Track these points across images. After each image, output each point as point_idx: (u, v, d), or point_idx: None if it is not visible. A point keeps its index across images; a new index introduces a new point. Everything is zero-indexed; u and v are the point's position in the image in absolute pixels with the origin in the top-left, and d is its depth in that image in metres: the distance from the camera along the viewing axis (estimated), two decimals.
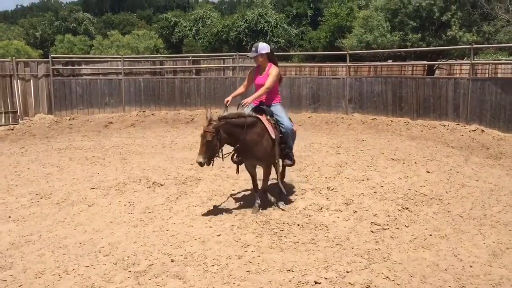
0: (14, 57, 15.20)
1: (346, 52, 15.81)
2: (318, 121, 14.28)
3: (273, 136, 5.88)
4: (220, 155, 5.80)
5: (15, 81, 14.19)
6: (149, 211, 6.09)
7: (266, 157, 5.93)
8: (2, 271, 4.31)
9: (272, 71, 6.06)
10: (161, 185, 7.34)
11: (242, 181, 7.47)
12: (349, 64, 15.69)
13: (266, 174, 6.16)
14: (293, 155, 6.31)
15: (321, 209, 6.02)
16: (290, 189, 6.90)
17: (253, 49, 6.12)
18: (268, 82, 5.98)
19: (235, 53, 17.34)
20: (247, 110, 5.96)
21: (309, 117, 14.72)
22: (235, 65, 16.60)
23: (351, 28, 28.66)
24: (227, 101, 6.04)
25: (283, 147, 6.10)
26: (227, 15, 52.50)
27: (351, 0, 39.80)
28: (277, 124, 6.05)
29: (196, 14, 47.19)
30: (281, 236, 5.12)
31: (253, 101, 6.11)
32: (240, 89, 6.39)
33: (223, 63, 17.18)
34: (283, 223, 5.52)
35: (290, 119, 6.34)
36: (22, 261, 4.53)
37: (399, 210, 5.92)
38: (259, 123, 5.89)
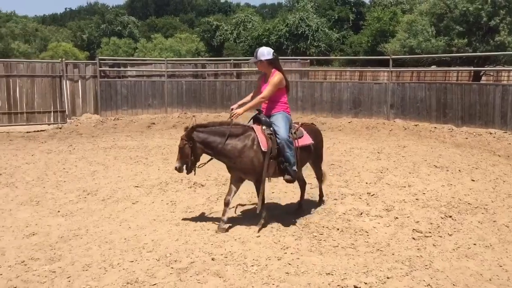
0: (63, 59, 15.80)
1: (389, 57, 15.61)
2: (358, 126, 14.15)
3: (264, 148, 5.37)
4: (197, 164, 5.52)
5: (64, 81, 14.75)
6: (190, 211, 6.22)
7: (253, 170, 5.44)
8: (51, 263, 4.50)
9: (273, 79, 5.59)
10: (202, 185, 7.47)
11: (281, 184, 7.51)
12: (391, 69, 15.48)
13: (258, 191, 5.55)
14: (294, 170, 5.54)
15: (361, 214, 5.99)
16: (328, 193, 6.89)
17: (254, 54, 5.76)
18: (265, 91, 5.58)
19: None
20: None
21: (349, 122, 14.60)
22: None
23: (394, 33, 28.29)
24: (232, 109, 5.69)
25: (280, 160, 5.51)
26: (268, 19, 52.76)
27: (395, 4, 39.24)
28: (274, 135, 5.51)
29: (237, 18, 47.72)
30: (321, 240, 5.13)
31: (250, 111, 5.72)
32: (247, 97, 5.98)
33: None
34: (323, 227, 5.52)
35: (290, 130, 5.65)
36: (70, 254, 4.71)
37: (442, 218, 5.81)
38: (248, 133, 5.50)
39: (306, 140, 5.86)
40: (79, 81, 15.32)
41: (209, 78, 16.92)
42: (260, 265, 4.46)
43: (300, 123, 6.04)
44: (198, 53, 44.60)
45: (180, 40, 46.76)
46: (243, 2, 74.55)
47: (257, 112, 5.79)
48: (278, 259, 4.59)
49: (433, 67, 20.56)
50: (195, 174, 5.62)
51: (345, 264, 4.50)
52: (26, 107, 14.31)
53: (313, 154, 6.12)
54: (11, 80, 14.16)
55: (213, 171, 8.38)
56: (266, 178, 5.63)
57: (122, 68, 16.48)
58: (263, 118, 5.66)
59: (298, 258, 4.62)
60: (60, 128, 13.98)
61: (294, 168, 5.54)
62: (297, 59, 19.79)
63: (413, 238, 5.17)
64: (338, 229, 5.44)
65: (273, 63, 5.69)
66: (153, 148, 10.99)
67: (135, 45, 48.32)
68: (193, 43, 46.34)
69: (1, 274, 4.21)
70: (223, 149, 5.38)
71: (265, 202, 5.65)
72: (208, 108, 16.45)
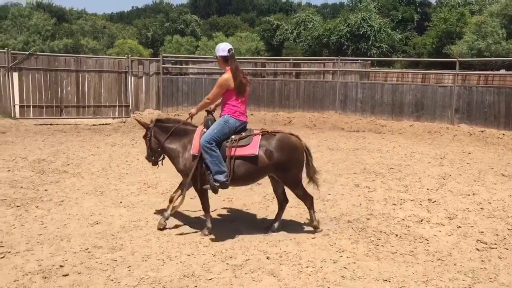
0: (129, 55, 16.39)
1: (455, 59, 15.00)
2: (420, 130, 13.71)
3: (193, 152, 5.13)
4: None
5: (129, 77, 15.30)
6: (246, 208, 6.27)
7: (185, 173, 5.24)
8: (113, 252, 4.68)
9: (219, 78, 5.28)
10: (258, 183, 7.49)
11: (338, 185, 7.42)
12: (458, 72, 14.86)
13: (198, 194, 5.35)
14: (216, 179, 5.00)
15: (421, 221, 5.79)
16: (387, 197, 6.72)
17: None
18: (210, 92, 5.33)
19: (337, 57, 17.19)
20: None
21: (410, 126, 14.18)
22: (336, 69, 16.46)
23: (461, 34, 27.15)
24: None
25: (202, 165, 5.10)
26: (329, 18, 52.13)
27: (463, 5, 37.65)
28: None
29: (298, 18, 47.50)
30: (378, 245, 5.01)
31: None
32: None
33: (324, 67, 17.13)
34: (380, 232, 5.39)
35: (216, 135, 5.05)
36: (131, 244, 4.88)
37: (509, 229, 5.51)
38: (189, 134, 5.31)
39: (250, 150, 5.06)
40: (143, 77, 15.83)
41: (268, 77, 16.96)
42: (315, 267, 4.42)
43: (265, 131, 5.31)
44: (258, 52, 44.82)
45: (241, 39, 47.18)
46: (304, 2, 74.27)
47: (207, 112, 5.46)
48: (334, 262, 4.53)
49: (502, 71, 19.53)
50: (157, 167, 5.77)
51: (403, 271, 4.37)
52: (93, 101, 14.97)
53: (273, 169, 5.14)
54: (80, 74, 14.86)
55: None
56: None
57: (184, 66, 16.85)
58: (206, 120, 5.30)
59: (354, 262, 4.54)
60: (124, 122, 14.53)
61: (217, 177, 4.98)
62: (357, 59, 19.44)
63: (477, 249, 4.94)
64: (396, 235, 5.29)
65: (227, 61, 5.29)
66: None
67: (197, 43, 49.25)
68: (253, 42, 46.64)
69: (67, 260, 4.42)
70: (163, 146, 5.42)
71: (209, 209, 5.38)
72: (266, 107, 16.50)
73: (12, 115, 13.94)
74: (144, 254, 4.63)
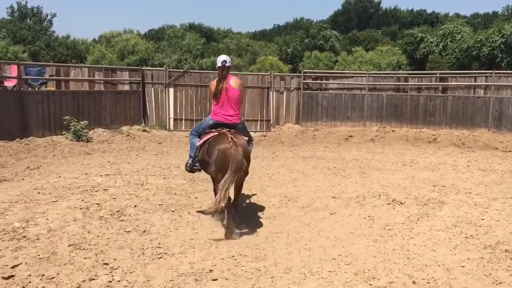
0: (272, 71, 17.02)
1: None
2: None
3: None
4: None
5: (271, 92, 15.87)
6: (389, 228, 6.04)
7: None
8: (257, 261, 4.85)
9: None
10: (401, 203, 7.19)
11: (493, 210, 6.78)
12: None
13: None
14: (189, 162, 6.49)
15: None
16: None
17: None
18: None
19: (491, 71, 15.82)
20: None
21: None
22: (490, 83, 15.15)
23: None
24: None
25: None
26: (481, 29, 48.31)
27: None
28: None
29: (445, 29, 44.86)
30: None
31: None
32: None
33: (475, 81, 15.89)
34: None
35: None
36: (274, 255, 5.01)
37: None
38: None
39: (200, 141, 6.06)
40: (284, 92, 16.30)
41: (412, 92, 16.25)
42: None
43: (218, 130, 5.90)
44: (399, 66, 43.22)
45: (381, 53, 46.01)
46: (452, 12, 69.78)
47: None
48: None
49: None
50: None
51: None
52: None
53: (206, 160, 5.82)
54: None
55: (413, 189, 8.03)
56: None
57: (324, 81, 16.96)
58: None
59: None
60: (265, 136, 15.08)
61: (189, 160, 6.41)
62: None
63: None
64: None
65: (221, 70, 6.17)
66: (351, 160, 11.03)
67: (336, 58, 49.24)
68: (394, 56, 45.16)
69: (215, 265, 4.70)
70: None
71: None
72: (409, 123, 15.82)
73: (167, 127, 15.35)
74: (286, 266, 4.71)
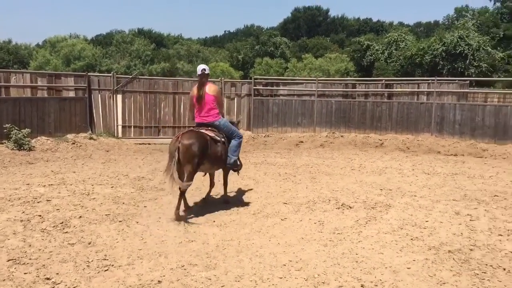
0: (222, 78, 16.99)
1: None
2: None
3: None
4: None
5: (224, 99, 15.82)
6: (338, 232, 6.12)
7: None
8: (207, 270, 4.78)
9: None
10: (350, 207, 7.32)
11: (437, 212, 7.02)
12: None
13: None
14: None
15: None
16: (491, 227, 6.22)
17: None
18: None
19: (433, 78, 16.49)
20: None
21: None
22: (432, 90, 15.79)
23: None
24: None
25: None
26: (423, 37, 50.41)
27: None
28: None
29: (390, 37, 46.46)
30: (483, 279, 4.63)
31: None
32: None
33: (418, 88, 16.51)
34: (486, 264, 4.99)
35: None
36: (224, 264, 4.95)
37: None
38: None
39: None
40: (235, 98, 16.29)
41: (359, 98, 16.67)
42: None
43: (189, 128, 7.17)
44: (347, 73, 44.33)
45: (330, 60, 47.06)
46: (396, 21, 72.37)
47: None
48: None
49: None
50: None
51: None
52: (188, 122, 15.65)
53: None
54: (177, 96, 15.65)
55: (361, 194, 8.20)
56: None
57: (274, 87, 17.10)
58: None
59: None
60: None
61: None
62: (455, 80, 18.49)
63: None
64: (504, 269, 4.87)
65: (200, 78, 7.18)
66: (301, 166, 11.15)
67: (286, 65, 49.87)
68: (342, 63, 46.29)
69: (164, 276, 4.59)
70: None
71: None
72: (357, 129, 16.19)
73: (115, 135, 14.96)
74: (237, 274, 4.67)
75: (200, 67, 7.18)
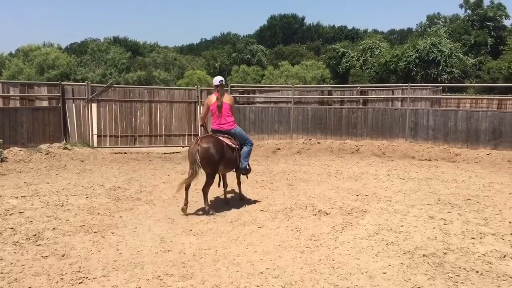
0: (199, 86, 16.95)
1: None
2: (499, 159, 12.98)
3: None
4: None
5: (198, 107, 15.78)
6: (315, 239, 6.14)
7: None
8: (184, 280, 4.74)
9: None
10: (327, 214, 7.36)
11: (411, 217, 7.12)
12: None
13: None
14: None
15: (505, 257, 5.39)
16: (465, 230, 6.35)
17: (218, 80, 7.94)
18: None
19: (406, 84, 16.79)
20: None
21: (488, 154, 13.47)
22: (405, 96, 16.06)
23: None
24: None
25: None
26: (397, 44, 51.31)
27: None
28: None
29: (364, 44, 47.17)
30: (457, 282, 4.71)
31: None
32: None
33: (392, 94, 16.78)
34: (459, 267, 5.08)
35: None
36: (201, 273, 4.92)
37: None
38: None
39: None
40: None
41: (335, 105, 16.84)
42: None
43: (204, 135, 7.76)
44: (324, 80, 44.81)
45: (306, 67, 47.49)
46: (370, 29, 73.53)
47: None
48: None
49: None
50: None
51: None
52: (164, 130, 15.57)
53: None
54: (153, 105, 15.56)
55: (337, 200, 8.26)
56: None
57: (251, 95, 17.15)
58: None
59: None
60: None
61: None
62: (428, 86, 18.88)
63: None
64: (477, 272, 4.96)
65: (218, 89, 7.90)
66: (278, 173, 11.18)
67: (263, 72, 50.13)
68: (318, 70, 46.78)
69: (140, 287, 4.53)
70: None
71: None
72: (334, 135, 16.34)
73: (91, 144, 14.76)
74: (214, 284, 4.64)
75: (218, 78, 7.99)
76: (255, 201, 8.24)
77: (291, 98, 16.68)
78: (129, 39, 67.21)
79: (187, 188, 7.45)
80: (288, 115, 16.55)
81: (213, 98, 7.90)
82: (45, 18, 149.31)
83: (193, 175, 7.30)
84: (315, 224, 6.82)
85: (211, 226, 6.72)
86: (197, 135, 15.75)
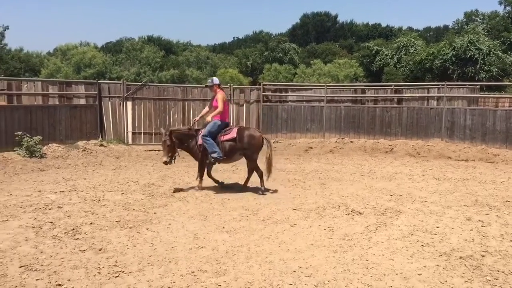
0: (231, 84, 17.04)
1: None
2: None
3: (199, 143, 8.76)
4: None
5: (231, 105, 15.86)
6: (348, 239, 6.10)
7: (196, 155, 9.01)
8: (217, 276, 4.79)
9: (222, 96, 8.84)
10: (360, 213, 7.29)
11: (447, 218, 6.97)
12: None
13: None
14: (212, 156, 8.59)
15: None
16: (503, 233, 6.16)
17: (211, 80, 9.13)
18: (220, 106, 8.74)
19: (443, 83, 16.40)
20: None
21: None
22: (442, 95, 15.70)
23: None
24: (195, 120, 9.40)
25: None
26: (433, 42, 50.19)
27: None
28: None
29: (399, 42, 46.36)
30: (495, 285, 4.60)
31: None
32: (205, 109, 9.50)
33: (428, 93, 16.43)
34: (498, 271, 4.95)
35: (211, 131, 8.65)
36: (234, 270, 4.96)
37: None
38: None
39: (230, 135, 8.70)
40: (244, 105, 16.33)
41: (369, 103, 16.61)
42: None
43: (238, 126, 9.50)
44: (356, 78, 44.29)
45: (339, 66, 47.04)
46: (405, 26, 72.08)
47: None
48: None
49: None
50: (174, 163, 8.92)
51: None
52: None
53: (239, 147, 8.72)
54: (186, 103, 15.74)
55: (371, 199, 8.16)
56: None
57: (283, 93, 17.12)
58: (206, 123, 8.92)
59: None
60: None
61: (213, 155, 8.56)
62: (465, 84, 18.39)
63: None
64: None
65: (219, 86, 9.07)
66: (310, 172, 11.13)
67: (295, 70, 49.91)
68: (351, 68, 46.27)
69: (175, 282, 4.60)
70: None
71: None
72: (366, 134, 16.12)
73: (125, 141, 15.06)
74: (247, 281, 4.67)
75: (217, 78, 9.29)
76: (287, 200, 8.22)
77: (323, 96, 16.55)
78: (162, 38, 68.09)
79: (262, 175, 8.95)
80: (320, 113, 16.44)
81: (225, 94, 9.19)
82: (82, 17, 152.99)
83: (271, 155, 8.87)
84: (348, 223, 6.76)
85: (243, 224, 6.75)
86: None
